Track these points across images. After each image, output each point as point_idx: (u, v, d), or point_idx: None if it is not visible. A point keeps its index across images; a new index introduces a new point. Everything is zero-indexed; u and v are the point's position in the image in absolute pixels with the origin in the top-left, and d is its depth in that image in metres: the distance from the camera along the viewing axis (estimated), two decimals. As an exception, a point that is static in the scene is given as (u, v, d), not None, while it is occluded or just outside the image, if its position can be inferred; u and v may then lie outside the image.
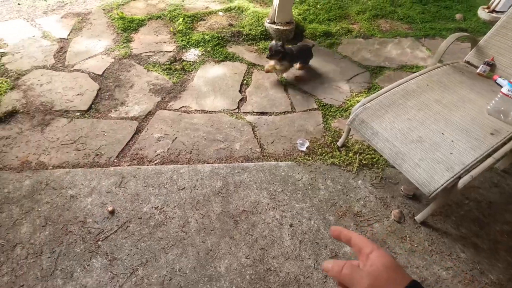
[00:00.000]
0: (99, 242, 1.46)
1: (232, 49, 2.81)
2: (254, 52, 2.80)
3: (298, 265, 1.45)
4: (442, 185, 1.37)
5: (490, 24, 3.46)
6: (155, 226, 1.54)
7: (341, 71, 2.69)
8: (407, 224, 1.65)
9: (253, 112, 2.25)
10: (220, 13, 3.22)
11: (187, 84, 2.42)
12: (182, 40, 2.81)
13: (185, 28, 2.94)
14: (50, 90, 2.23)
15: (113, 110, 2.15)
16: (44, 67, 2.42)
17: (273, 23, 2.91)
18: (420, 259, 1.51)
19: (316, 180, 1.82)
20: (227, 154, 1.94)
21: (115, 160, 1.84)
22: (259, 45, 2.88)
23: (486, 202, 1.79)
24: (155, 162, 1.85)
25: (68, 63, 2.49)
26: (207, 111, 2.22)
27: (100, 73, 2.42)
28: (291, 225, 1.59)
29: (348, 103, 2.36)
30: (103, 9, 3.15)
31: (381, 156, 1.92)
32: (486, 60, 1.97)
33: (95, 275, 1.36)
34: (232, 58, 2.71)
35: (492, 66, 1.96)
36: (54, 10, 3.10)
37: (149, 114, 2.15)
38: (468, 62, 2.10)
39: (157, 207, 1.62)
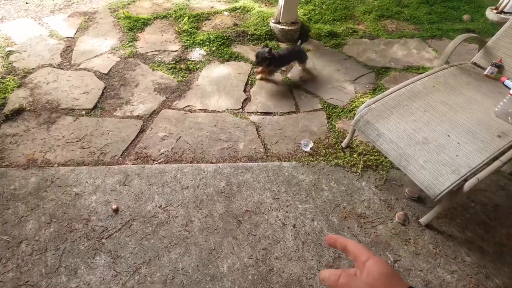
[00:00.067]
0: (103, 240, 1.47)
1: (237, 49, 2.81)
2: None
3: (301, 266, 1.44)
4: (447, 188, 1.36)
5: (498, 25, 3.42)
6: (158, 225, 1.55)
7: (346, 71, 2.67)
8: (411, 227, 1.63)
9: (257, 112, 2.24)
10: (225, 13, 3.22)
11: (192, 84, 2.43)
12: (187, 40, 2.82)
13: (190, 28, 2.94)
14: (56, 88, 2.26)
15: (118, 108, 2.17)
16: (50, 65, 2.45)
17: (278, 23, 2.90)
18: (425, 262, 1.50)
19: (320, 181, 1.81)
20: (230, 153, 1.94)
21: (120, 159, 1.85)
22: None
23: (492, 205, 1.77)
24: (159, 161, 1.86)
25: (74, 61, 2.51)
26: (212, 110, 2.22)
27: (106, 72, 2.44)
28: (294, 226, 1.59)
29: (353, 104, 2.34)
30: (109, 8, 3.17)
31: (385, 157, 1.91)
32: (494, 61, 1.94)
33: (99, 273, 1.37)
34: (237, 58, 2.71)
35: (500, 67, 1.93)
36: (61, 9, 3.13)
37: (154, 113, 2.15)
38: (475, 64, 2.08)
39: (161, 206, 1.62)
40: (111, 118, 2.09)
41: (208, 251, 1.47)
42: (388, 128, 1.62)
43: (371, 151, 1.99)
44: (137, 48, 2.70)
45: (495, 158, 1.43)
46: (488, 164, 1.41)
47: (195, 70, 2.55)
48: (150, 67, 2.53)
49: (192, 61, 2.63)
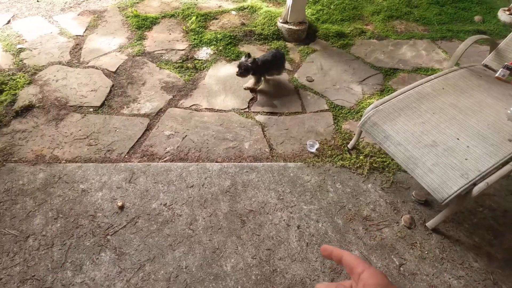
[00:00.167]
0: (108, 237, 1.49)
1: (244, 48, 2.81)
2: (266, 52, 2.78)
3: (304, 268, 1.43)
4: (455, 192, 1.33)
5: (510, 26, 3.35)
6: (163, 223, 1.55)
7: (354, 72, 2.65)
8: (417, 230, 1.61)
9: (263, 112, 2.24)
10: (233, 12, 3.23)
11: (199, 83, 2.43)
12: (194, 39, 2.82)
13: (198, 27, 2.95)
14: (65, 85, 2.29)
15: (125, 106, 2.18)
16: (60, 63, 2.48)
17: (286, 23, 2.89)
18: (431, 267, 1.47)
19: (325, 182, 1.80)
20: (236, 153, 1.94)
21: (126, 156, 1.86)
22: (271, 45, 2.87)
23: (501, 210, 1.74)
24: (165, 159, 1.87)
25: (83, 59, 2.54)
26: (218, 109, 2.23)
27: (114, 70, 2.46)
28: (298, 227, 1.58)
29: (360, 105, 2.32)
30: (118, 7, 3.20)
31: (392, 160, 1.89)
32: (506, 63, 1.90)
33: (104, 269, 1.38)
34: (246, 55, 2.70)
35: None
36: (71, 7, 3.17)
37: (160, 112, 2.17)
38: (486, 66, 2.04)
39: (166, 204, 1.63)
40: (118, 116, 2.11)
41: (212, 250, 1.47)
42: (396, 130, 1.60)
43: (378, 153, 1.97)
44: (145, 47, 2.72)
45: (506, 162, 1.40)
46: (498, 168, 1.39)
47: (202, 69, 2.56)
48: (157, 66, 2.54)
49: (199, 60, 2.64)
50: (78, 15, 3.06)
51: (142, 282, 1.35)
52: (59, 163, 1.79)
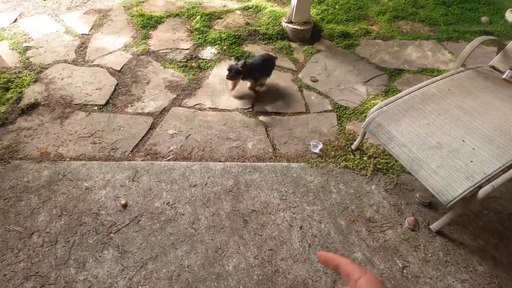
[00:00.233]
0: (111, 235, 1.49)
1: (248, 48, 2.81)
2: (270, 52, 2.78)
3: (306, 268, 1.43)
4: (460, 194, 1.32)
5: (518, 27, 3.31)
6: (165, 222, 1.56)
7: (358, 73, 2.63)
8: (421, 233, 1.60)
9: (267, 111, 2.24)
10: (238, 12, 3.22)
11: (203, 82, 2.44)
12: (199, 38, 2.83)
13: (202, 26, 2.96)
14: (70, 84, 2.30)
15: (129, 105, 2.19)
16: (65, 61, 2.50)
17: (291, 22, 2.88)
18: (434, 270, 1.46)
19: (328, 183, 1.79)
20: (239, 153, 1.94)
21: (130, 155, 1.87)
22: (275, 45, 2.86)
23: (507, 214, 1.71)
24: (168, 158, 1.87)
25: (88, 58, 2.56)
26: (221, 109, 2.23)
27: (118, 68, 2.47)
28: (301, 227, 1.58)
29: (364, 106, 2.31)
30: (124, 6, 3.22)
31: (396, 161, 1.87)
32: (513, 65, 1.88)
33: (106, 267, 1.39)
34: (248, 57, 2.70)
35: (519, 71, 1.87)
36: (77, 6, 3.19)
37: (164, 111, 2.17)
38: (493, 67, 2.01)
39: (169, 202, 1.64)
40: (122, 114, 2.12)
41: (214, 249, 1.47)
42: (400, 131, 1.59)
43: (382, 154, 1.95)
44: (150, 46, 2.73)
45: (512, 165, 1.38)
46: (504, 171, 1.37)
47: (206, 68, 2.56)
48: (161, 65, 2.55)
49: (203, 59, 2.64)
50: (84, 14, 3.08)
51: (144, 281, 1.36)
52: (64, 160, 1.80)
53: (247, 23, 3.05)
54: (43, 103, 2.13)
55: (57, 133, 1.95)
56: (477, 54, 2.81)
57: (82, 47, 2.67)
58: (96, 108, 2.15)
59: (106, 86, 2.31)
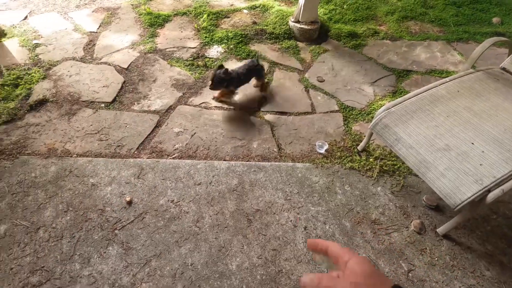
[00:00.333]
0: (116, 231, 1.50)
1: (255, 47, 2.80)
2: (277, 51, 2.77)
3: (310, 270, 1.42)
4: (469, 198, 1.30)
5: (530, 29, 3.24)
6: (170, 219, 1.56)
7: (366, 73, 2.61)
8: (427, 236, 1.57)
9: (273, 111, 2.23)
10: (245, 11, 3.22)
11: (209, 81, 2.43)
12: (205, 37, 2.83)
13: (209, 25, 2.96)
14: (78, 81, 2.32)
15: (136, 103, 2.21)
16: (74, 58, 2.52)
17: (298, 22, 2.87)
18: (440, 274, 1.44)
19: (334, 183, 1.78)
20: (244, 152, 1.93)
21: (135, 152, 1.88)
22: (282, 44, 2.85)
23: (517, 219, 1.68)
24: (173, 156, 1.88)
25: (96, 55, 2.58)
26: (227, 108, 2.23)
27: (126, 66, 2.49)
28: (305, 228, 1.57)
29: (371, 107, 2.29)
30: (132, 4, 3.23)
31: (403, 163, 1.84)
32: (525, 67, 1.84)
33: (111, 263, 1.40)
34: (254, 56, 2.69)
35: (531, 73, 1.83)
36: (86, 4, 3.22)
37: (170, 109, 2.18)
38: (504, 69, 1.97)
39: (173, 200, 1.64)
40: (128, 112, 2.13)
41: (217, 248, 1.47)
42: (408, 132, 1.56)
43: (388, 155, 1.93)
44: (157, 44, 2.74)
45: (523, 169, 1.35)
46: (514, 175, 1.34)
47: (212, 67, 2.56)
48: (168, 63, 2.56)
49: (210, 58, 2.64)
50: (93, 11, 3.10)
51: (148, 278, 1.36)
52: (71, 157, 1.82)
53: (254, 22, 3.04)
54: (51, 99, 2.16)
55: (65, 130, 1.97)
56: (488, 55, 2.76)
57: (90, 45, 2.69)
58: (103, 105, 2.17)
59: (113, 84, 2.33)
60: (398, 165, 1.88)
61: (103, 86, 2.30)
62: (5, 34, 2.66)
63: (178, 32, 2.91)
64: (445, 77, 1.90)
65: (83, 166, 1.76)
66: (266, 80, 2.43)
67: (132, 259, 1.41)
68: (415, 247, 1.53)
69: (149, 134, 1.99)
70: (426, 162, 1.46)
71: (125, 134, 1.98)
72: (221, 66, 2.02)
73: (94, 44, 2.69)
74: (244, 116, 2.17)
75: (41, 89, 2.22)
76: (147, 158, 1.85)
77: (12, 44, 2.58)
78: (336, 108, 2.28)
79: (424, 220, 1.63)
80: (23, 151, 1.83)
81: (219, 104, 2.24)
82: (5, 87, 2.17)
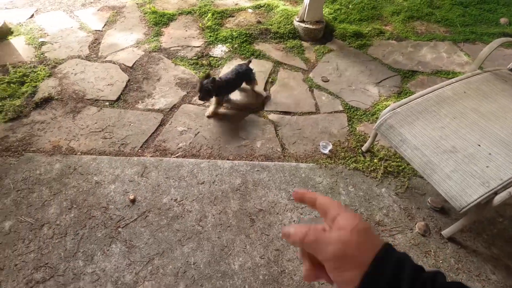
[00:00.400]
0: (119, 229, 1.51)
1: (259, 46, 2.79)
2: (281, 51, 2.76)
3: (313, 270, 1.41)
4: (475, 200, 1.28)
5: (539, 30, 3.20)
6: (173, 218, 1.56)
7: (370, 73, 2.59)
8: (432, 238, 1.56)
9: (277, 111, 2.22)
10: (249, 10, 3.21)
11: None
12: (210, 36, 2.83)
13: (214, 24, 2.96)
14: (83, 79, 2.33)
15: (140, 101, 2.21)
16: (79, 57, 2.54)
17: (303, 21, 2.86)
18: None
19: (337, 184, 1.76)
20: (247, 151, 1.93)
21: (139, 150, 1.89)
22: (286, 44, 2.84)
23: (523, 222, 1.66)
24: (177, 154, 1.88)
25: (101, 54, 2.59)
26: (230, 107, 2.22)
27: (130, 65, 2.50)
28: (308, 229, 1.56)
29: (376, 107, 2.27)
30: (137, 3, 3.24)
31: (408, 164, 1.83)
32: (534, 68, 1.81)
33: (114, 260, 1.40)
34: (259, 55, 2.69)
35: (540, 75, 1.80)
36: (91, 2, 3.23)
37: (174, 107, 2.18)
38: (512, 70, 1.94)
39: (176, 199, 1.64)
40: (133, 110, 2.14)
41: (220, 247, 1.47)
42: (413, 134, 1.55)
43: (393, 156, 1.91)
44: (161, 43, 2.74)
45: (530, 172, 1.33)
46: (522, 177, 1.32)
47: (216, 66, 2.56)
48: (172, 62, 2.56)
49: (214, 57, 2.64)
50: (98, 10, 3.12)
51: (150, 276, 1.36)
52: (75, 154, 1.83)
53: (259, 22, 3.04)
54: (56, 97, 2.17)
55: (69, 127, 1.98)
56: (495, 56, 2.72)
57: (95, 43, 2.70)
58: (107, 103, 2.17)
59: (118, 82, 2.34)
60: (403, 167, 1.86)
61: (108, 85, 2.31)
62: (12, 32, 2.68)
63: (183, 31, 2.91)
64: (451, 78, 1.88)
65: (87, 164, 1.77)
66: (270, 80, 2.42)
67: (135, 257, 1.42)
68: (419, 249, 1.51)
69: (153, 133, 2.00)
70: (432, 163, 1.44)
71: (129, 132, 1.98)
72: (208, 76, 1.95)
73: (99, 43, 2.71)
74: (247, 116, 2.16)
75: (46, 87, 2.23)
76: (151, 156, 1.85)
77: (18, 42, 2.60)
78: (341, 108, 2.27)
79: (429, 222, 1.62)
80: (28, 148, 1.84)
81: (224, 104, 2.24)
82: (11, 85, 2.19)
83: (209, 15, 3.05)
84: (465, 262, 1.47)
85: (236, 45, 2.75)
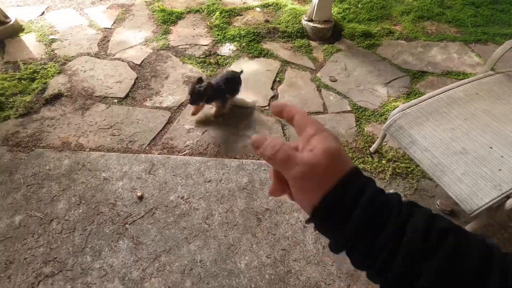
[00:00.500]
0: (127, 225, 1.52)
1: (267, 45, 2.79)
2: (289, 50, 2.75)
3: (319, 271, 1.40)
4: (486, 204, 1.26)
5: (553, 31, 3.13)
6: (180, 215, 1.57)
7: (379, 73, 2.56)
8: (441, 241, 1.53)
9: (284, 110, 2.21)
10: (257, 9, 3.21)
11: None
12: (218, 35, 2.83)
13: (222, 23, 2.96)
14: (92, 76, 2.35)
15: (148, 99, 2.22)
16: (88, 54, 2.56)
17: (311, 21, 2.84)
18: (454, 280, 1.40)
19: (345, 185, 1.75)
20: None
21: (147, 148, 1.90)
22: (294, 43, 2.83)
23: (535, 227, 1.63)
24: (184, 152, 1.89)
25: (110, 51, 2.61)
26: (238, 106, 2.22)
27: (139, 63, 2.51)
28: (315, 229, 1.55)
29: (384, 108, 2.25)
30: (145, 1, 3.26)
31: (417, 166, 1.81)
32: (548, 70, 1.77)
33: (121, 257, 1.41)
34: (266, 54, 2.68)
35: (554, 77, 1.76)
36: (101, 0, 3.26)
37: (182, 106, 2.19)
38: (525, 71, 1.91)
39: (183, 197, 1.65)
40: (141, 107, 2.15)
41: (226, 246, 1.47)
42: (423, 135, 1.53)
43: (402, 158, 1.89)
44: (169, 41, 2.75)
45: (544, 175, 1.31)
46: (535, 181, 1.29)
47: (224, 65, 2.56)
48: (180, 60, 2.57)
49: (222, 56, 2.64)
50: (107, 8, 3.14)
51: (157, 273, 1.37)
52: (84, 151, 1.84)
53: (267, 21, 3.03)
54: (66, 94, 2.19)
55: (78, 124, 2.00)
56: (508, 57, 2.66)
57: (104, 41, 2.72)
58: (116, 100, 2.19)
59: (126, 80, 2.35)
60: (412, 168, 1.84)
61: (116, 82, 2.32)
62: (23, 29, 2.72)
63: (191, 30, 2.92)
64: (462, 79, 1.85)
65: (95, 160, 1.79)
66: (277, 79, 2.41)
67: (142, 254, 1.43)
68: (427, 252, 1.49)
69: (161, 130, 2.00)
70: (442, 165, 1.42)
71: (137, 129, 2.00)
72: (200, 79, 1.90)
73: (108, 40, 2.73)
74: (255, 115, 2.16)
75: (56, 84, 2.25)
76: (158, 154, 1.86)
77: (29, 39, 2.63)
78: (349, 108, 2.25)
79: (438, 225, 1.59)
80: (38, 144, 1.86)
81: (231, 102, 2.23)
82: (22, 81, 2.22)
83: (217, 13, 3.05)
84: (475, 266, 1.45)
85: (244, 44, 2.75)
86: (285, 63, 2.61)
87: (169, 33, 2.85)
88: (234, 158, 1.86)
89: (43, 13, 2.99)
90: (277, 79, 2.47)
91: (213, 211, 1.60)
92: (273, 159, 0.34)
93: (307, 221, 0.35)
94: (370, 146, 1.95)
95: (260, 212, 1.60)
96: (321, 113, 2.21)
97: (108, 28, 2.86)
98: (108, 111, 2.11)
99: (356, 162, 1.87)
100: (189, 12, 3.14)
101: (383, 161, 1.87)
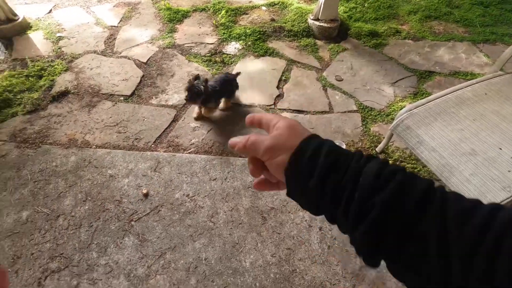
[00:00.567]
0: (132, 222, 1.53)
1: (273, 44, 2.78)
2: (295, 49, 2.74)
3: (325, 271, 1.40)
4: (495, 205, 1.24)
5: None
6: (185, 213, 1.57)
7: (386, 73, 2.54)
8: (448, 243, 1.52)
9: (290, 109, 2.20)
10: (263, 8, 3.20)
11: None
12: (224, 33, 2.83)
13: (228, 21, 2.95)
14: (98, 74, 2.37)
15: (154, 97, 2.23)
16: (95, 52, 2.57)
17: (317, 20, 2.82)
18: (460, 283, 1.39)
19: (350, 185, 1.74)
20: (260, 149, 1.92)
21: (152, 145, 1.90)
22: (300, 42, 2.81)
23: (544, 230, 1.60)
24: (190, 150, 1.89)
25: (116, 49, 2.62)
26: (244, 104, 2.22)
27: (145, 61, 2.52)
28: (320, 229, 1.54)
29: (391, 108, 2.23)
30: (152, 0, 3.27)
31: (424, 166, 1.79)
32: (559, 70, 1.74)
33: (126, 253, 1.42)
34: (272, 53, 2.67)
35: None
36: (107, -1, 3.27)
37: (187, 104, 2.19)
38: (535, 72, 1.88)
39: (188, 195, 1.65)
40: (147, 105, 2.16)
41: (231, 244, 1.47)
42: (431, 135, 1.51)
43: (408, 158, 1.88)
44: (175, 39, 2.76)
45: (555, 177, 1.29)
46: (545, 183, 1.27)
47: (229, 63, 2.56)
48: (186, 58, 2.57)
49: (227, 54, 2.64)
50: (114, 6, 3.15)
51: (162, 270, 1.38)
52: (90, 148, 1.86)
53: (273, 19, 3.02)
54: (72, 91, 2.21)
55: (85, 121, 2.01)
56: (516, 58, 2.63)
57: (111, 39, 2.73)
58: (122, 98, 2.20)
59: (133, 78, 2.36)
60: (418, 169, 1.82)
61: (123, 80, 2.33)
62: (31, 27, 2.74)
63: (197, 28, 2.92)
64: (469, 80, 1.83)
65: (101, 157, 1.80)
66: (283, 78, 2.40)
67: (147, 251, 1.43)
68: (434, 254, 1.48)
69: (166, 128, 2.01)
70: (450, 166, 1.40)
71: (143, 127, 2.00)
72: (197, 77, 1.88)
73: (115, 38, 2.74)
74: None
75: (63, 81, 2.27)
76: (164, 151, 1.87)
77: (37, 37, 2.65)
78: (355, 108, 2.24)
79: (444, 226, 1.58)
80: (45, 140, 1.88)
81: (236, 100, 2.23)
82: (30, 78, 2.24)
83: (223, 12, 3.05)
84: (482, 269, 1.44)
85: (249, 43, 2.74)
86: (291, 62, 2.60)
87: (175, 32, 2.85)
88: (239, 157, 1.86)
89: (50, 11, 3.01)
90: (283, 78, 2.46)
91: (218, 209, 1.60)
92: (246, 148, 0.41)
93: (287, 194, 0.40)
94: (376, 146, 1.94)
95: (265, 211, 1.60)
96: (327, 113, 2.20)
97: (114, 26, 2.87)
98: (114, 108, 2.12)
99: (362, 162, 1.85)
100: (195, 10, 3.14)
101: (390, 162, 1.85)
